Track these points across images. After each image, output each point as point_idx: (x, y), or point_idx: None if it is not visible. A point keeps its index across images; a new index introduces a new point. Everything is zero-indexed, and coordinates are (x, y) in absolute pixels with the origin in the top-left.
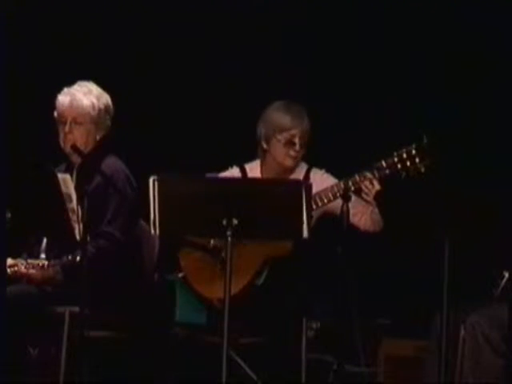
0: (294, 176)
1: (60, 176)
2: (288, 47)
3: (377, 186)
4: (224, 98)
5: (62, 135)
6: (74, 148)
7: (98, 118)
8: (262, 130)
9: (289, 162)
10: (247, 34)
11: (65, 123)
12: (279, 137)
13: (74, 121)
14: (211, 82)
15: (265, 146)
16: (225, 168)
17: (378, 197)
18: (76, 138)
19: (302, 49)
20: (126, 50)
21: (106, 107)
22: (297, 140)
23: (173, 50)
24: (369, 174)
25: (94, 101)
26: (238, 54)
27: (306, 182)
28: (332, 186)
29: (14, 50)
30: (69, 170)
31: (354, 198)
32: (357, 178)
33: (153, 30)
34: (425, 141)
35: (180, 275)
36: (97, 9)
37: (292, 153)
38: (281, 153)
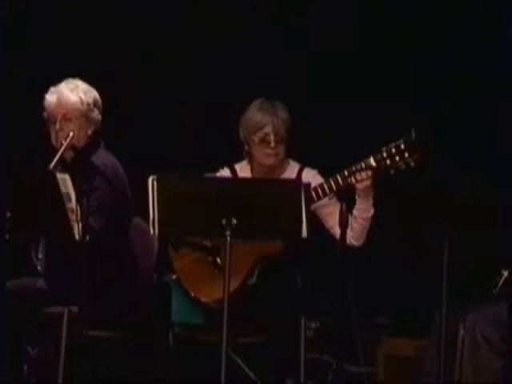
0: (285, 176)
1: (59, 176)
2: (283, 48)
3: (368, 182)
4: (223, 99)
5: (53, 134)
6: (73, 148)
7: (87, 112)
8: (240, 132)
9: (268, 161)
10: (245, 36)
11: (55, 122)
12: (253, 137)
13: (64, 118)
14: (210, 82)
15: (246, 147)
16: (215, 169)
17: (375, 196)
18: (68, 134)
19: (296, 49)
20: (125, 51)
21: (95, 101)
22: (271, 138)
23: (172, 51)
24: (358, 170)
25: (82, 96)
26: (238, 55)
27: (305, 182)
28: (321, 184)
29: (13, 50)
30: (61, 167)
31: (333, 203)
32: (345, 173)
33: (152, 31)
34: (413, 135)
35: (173, 277)
36: (96, 9)
37: (268, 151)
38: (258, 153)
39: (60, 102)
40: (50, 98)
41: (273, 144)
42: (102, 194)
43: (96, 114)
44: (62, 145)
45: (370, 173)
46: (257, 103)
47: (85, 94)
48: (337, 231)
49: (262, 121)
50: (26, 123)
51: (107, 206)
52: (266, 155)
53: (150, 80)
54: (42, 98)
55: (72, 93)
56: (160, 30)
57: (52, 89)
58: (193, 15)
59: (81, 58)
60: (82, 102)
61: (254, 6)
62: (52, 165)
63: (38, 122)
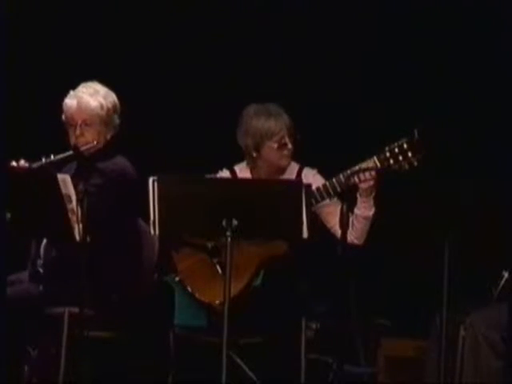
0: (285, 176)
1: (59, 177)
2: (282, 49)
3: (371, 181)
4: (223, 100)
5: (73, 138)
6: (75, 149)
7: (107, 117)
8: (248, 141)
9: (285, 162)
10: (245, 37)
11: (75, 126)
12: (270, 143)
13: (84, 123)
14: (211, 83)
15: (254, 154)
16: (215, 171)
17: (376, 196)
18: (88, 139)
19: (295, 49)
20: (126, 51)
21: (114, 106)
22: (287, 140)
23: (173, 51)
24: (361, 170)
25: (102, 101)
26: (238, 56)
27: (306, 183)
28: (324, 184)
29: (13, 50)
30: (79, 169)
31: (334, 203)
32: (349, 173)
33: (152, 32)
34: (416, 135)
35: (177, 279)
36: (99, 8)
37: (286, 152)
38: (275, 156)
39: (80, 107)
40: (70, 102)
41: (290, 146)
42: (102, 199)
43: (114, 119)
44: (75, 149)
45: (373, 172)
46: (259, 109)
47: (105, 99)
48: (337, 230)
49: (277, 126)
50: (26, 123)
51: (104, 213)
52: (283, 157)
53: (150, 81)
54: (43, 98)
55: (92, 98)
56: (161, 31)
57: (71, 92)
58: (193, 16)
59: (81, 59)
60: (102, 108)
61: (253, 7)
62: (37, 164)
63: (39, 121)
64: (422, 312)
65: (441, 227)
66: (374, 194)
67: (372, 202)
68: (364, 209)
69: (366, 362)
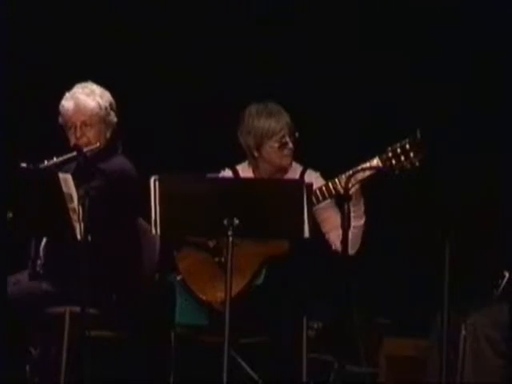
0: (288, 177)
1: (61, 176)
2: (283, 49)
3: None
4: (225, 99)
5: (73, 139)
6: (76, 148)
7: (105, 116)
8: (249, 140)
9: (286, 161)
10: (245, 36)
11: (75, 128)
12: (271, 143)
13: (84, 124)
14: (212, 82)
15: (256, 154)
16: (217, 170)
17: (375, 199)
18: (90, 140)
19: (296, 50)
20: (126, 51)
21: (110, 104)
22: (288, 139)
23: (172, 50)
24: (363, 169)
25: (99, 100)
26: (238, 56)
27: (307, 182)
28: (326, 185)
29: (14, 51)
30: (78, 170)
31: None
32: (351, 172)
33: (152, 31)
34: (418, 136)
35: (178, 278)
36: (98, 8)
37: (287, 152)
38: (277, 156)
39: (79, 109)
40: (67, 104)
41: (291, 145)
42: (103, 201)
43: (113, 117)
44: (77, 148)
45: (362, 174)
46: (260, 109)
47: (101, 98)
48: (331, 237)
49: (278, 125)
50: (26, 122)
51: (104, 214)
52: (284, 156)
53: (151, 80)
54: (45, 96)
55: (89, 98)
56: (161, 31)
57: (67, 94)
58: (193, 16)
59: (81, 57)
60: (100, 107)
61: (253, 6)
62: (43, 165)
63: (39, 120)
64: (423, 312)
65: (442, 227)
66: (363, 201)
67: (362, 211)
68: (353, 218)
69: (366, 361)
